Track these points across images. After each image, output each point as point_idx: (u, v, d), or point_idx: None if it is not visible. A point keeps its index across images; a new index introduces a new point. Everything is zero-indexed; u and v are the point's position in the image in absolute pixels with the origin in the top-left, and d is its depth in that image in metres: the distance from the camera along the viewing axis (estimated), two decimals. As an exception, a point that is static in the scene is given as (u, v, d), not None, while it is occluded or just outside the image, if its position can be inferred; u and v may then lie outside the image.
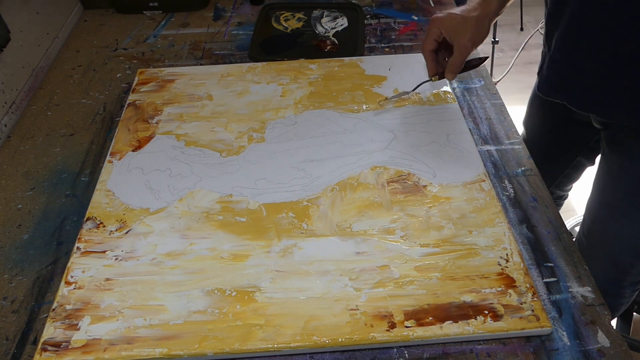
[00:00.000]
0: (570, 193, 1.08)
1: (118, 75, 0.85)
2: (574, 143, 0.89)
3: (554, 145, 0.91)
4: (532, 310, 0.50)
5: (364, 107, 0.75)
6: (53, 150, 0.72)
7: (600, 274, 0.88)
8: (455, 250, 0.56)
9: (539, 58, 0.80)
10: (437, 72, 0.71)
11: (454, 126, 0.71)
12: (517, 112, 0.96)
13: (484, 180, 0.63)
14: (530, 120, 0.95)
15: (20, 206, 0.64)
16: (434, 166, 0.65)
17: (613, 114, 0.69)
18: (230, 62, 0.87)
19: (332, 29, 0.93)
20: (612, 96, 0.67)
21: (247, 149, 0.69)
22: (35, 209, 0.64)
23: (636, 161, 0.71)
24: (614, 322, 1.28)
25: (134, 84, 0.80)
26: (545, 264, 0.56)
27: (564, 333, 0.50)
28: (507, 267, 0.54)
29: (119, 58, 0.89)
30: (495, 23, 1.79)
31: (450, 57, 0.67)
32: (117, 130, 0.72)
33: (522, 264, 0.54)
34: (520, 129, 0.86)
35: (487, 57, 0.76)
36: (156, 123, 0.73)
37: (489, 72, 1.65)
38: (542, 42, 0.78)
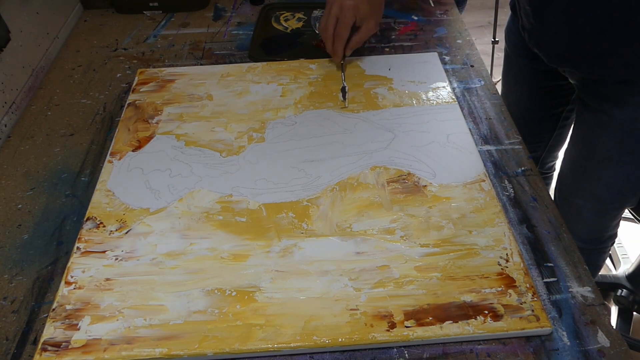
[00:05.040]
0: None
1: (118, 75, 0.85)
2: (560, 99, 0.93)
3: (541, 109, 0.95)
4: (532, 310, 0.50)
5: (364, 107, 0.75)
6: (53, 150, 0.72)
7: (585, 232, 0.94)
8: (455, 250, 0.56)
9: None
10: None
11: (454, 126, 0.71)
12: (517, 111, 0.98)
13: (484, 180, 0.63)
14: (510, 93, 0.99)
15: (20, 206, 0.64)
16: (434, 166, 0.65)
17: (619, 73, 0.71)
18: (230, 62, 0.87)
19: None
20: (617, 57, 0.69)
21: (247, 149, 0.69)
22: (35, 209, 0.64)
23: (624, 108, 0.74)
24: (614, 322, 1.28)
25: (134, 84, 0.80)
26: (545, 264, 0.56)
27: (564, 333, 0.50)
28: (507, 267, 0.54)
29: (119, 58, 0.89)
30: (495, 23, 1.80)
31: (355, 36, 0.76)
32: (117, 130, 0.72)
33: (522, 264, 0.54)
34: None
35: None
36: (156, 123, 0.73)
37: (489, 72, 1.65)
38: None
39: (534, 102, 0.95)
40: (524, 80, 0.93)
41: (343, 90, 0.77)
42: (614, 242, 1.02)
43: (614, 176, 0.83)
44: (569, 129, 1.01)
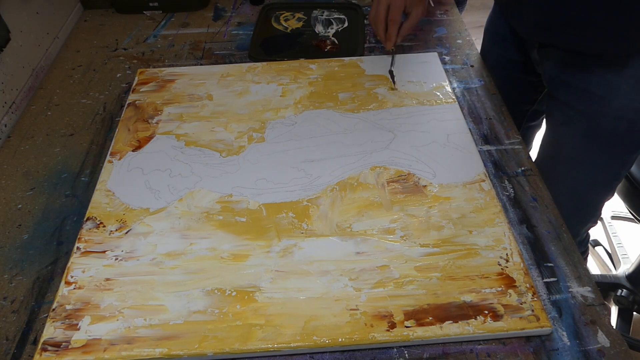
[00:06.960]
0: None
1: (118, 75, 0.85)
2: (527, 94, 0.93)
3: (508, 102, 0.94)
4: (532, 310, 0.50)
5: (364, 107, 0.75)
6: (53, 150, 0.72)
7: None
8: (455, 250, 0.56)
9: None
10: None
11: (454, 126, 0.71)
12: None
13: (483, 180, 0.63)
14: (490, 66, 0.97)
15: (20, 206, 0.64)
16: (434, 166, 0.65)
17: (592, 45, 0.69)
18: (230, 62, 0.87)
19: (332, 28, 0.93)
20: (593, 29, 0.68)
21: (247, 149, 0.69)
22: (35, 209, 0.64)
23: (590, 101, 0.73)
24: (614, 322, 1.28)
25: (134, 84, 0.80)
26: (545, 264, 0.56)
27: (564, 333, 0.50)
28: (507, 267, 0.54)
29: (119, 58, 0.89)
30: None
31: (406, 23, 0.79)
32: (117, 130, 0.72)
33: (522, 264, 0.54)
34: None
35: None
36: (156, 123, 0.73)
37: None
38: None
39: (502, 94, 0.94)
40: (497, 69, 0.91)
41: (391, 73, 0.80)
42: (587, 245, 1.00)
43: (578, 179, 0.80)
44: (533, 135, 1.03)
